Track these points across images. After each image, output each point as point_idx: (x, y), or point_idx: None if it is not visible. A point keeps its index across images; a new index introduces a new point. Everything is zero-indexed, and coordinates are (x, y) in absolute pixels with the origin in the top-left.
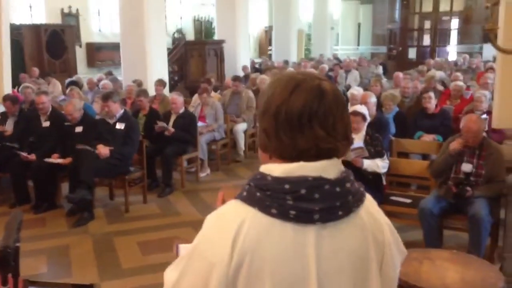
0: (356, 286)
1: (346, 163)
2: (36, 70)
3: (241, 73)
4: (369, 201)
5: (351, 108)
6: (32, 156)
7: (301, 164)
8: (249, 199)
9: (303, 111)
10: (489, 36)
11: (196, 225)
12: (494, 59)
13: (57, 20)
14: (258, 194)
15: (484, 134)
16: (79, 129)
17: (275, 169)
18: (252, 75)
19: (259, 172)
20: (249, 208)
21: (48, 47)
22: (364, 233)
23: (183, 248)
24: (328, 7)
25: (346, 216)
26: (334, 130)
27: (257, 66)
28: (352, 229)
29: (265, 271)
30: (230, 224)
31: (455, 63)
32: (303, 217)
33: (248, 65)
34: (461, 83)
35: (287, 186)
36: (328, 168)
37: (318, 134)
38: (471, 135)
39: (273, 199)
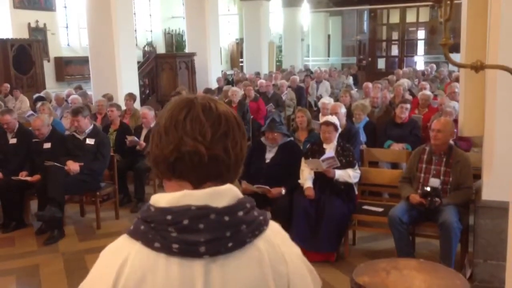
0: None
1: (318, 174)
2: (7, 86)
3: (212, 86)
4: (273, 231)
5: (322, 118)
6: None
7: (185, 192)
8: (134, 233)
9: None
10: (443, 50)
11: None
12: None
13: (24, 34)
14: (142, 227)
15: (452, 142)
16: (47, 145)
17: (161, 199)
18: (224, 88)
19: (147, 204)
20: (134, 243)
21: (15, 62)
22: (261, 265)
23: None
24: (298, 18)
25: (238, 248)
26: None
27: (229, 78)
28: (247, 262)
29: None
30: (113, 262)
31: (423, 72)
32: (188, 251)
33: (220, 77)
34: (428, 92)
35: (169, 217)
36: (217, 197)
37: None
38: (434, 133)
39: (157, 232)
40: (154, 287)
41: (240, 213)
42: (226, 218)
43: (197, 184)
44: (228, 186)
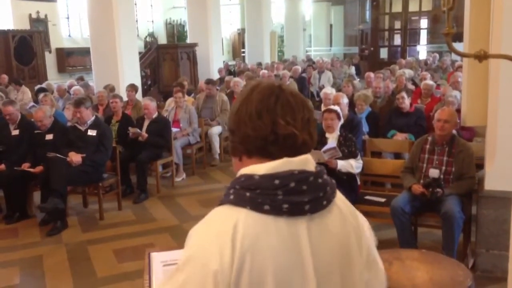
0: (343, 274)
1: (320, 165)
2: (5, 77)
3: (214, 76)
4: (338, 192)
5: (325, 107)
6: (2, 165)
7: (286, 160)
8: (239, 201)
9: None
10: (446, 40)
11: (173, 231)
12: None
13: (25, 25)
14: (247, 194)
15: (454, 132)
16: (49, 136)
17: (259, 168)
18: (226, 78)
19: (242, 175)
20: (240, 209)
21: (17, 54)
22: (343, 220)
23: (155, 256)
24: (299, 8)
25: (328, 206)
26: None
27: (231, 68)
28: (334, 217)
29: (267, 267)
30: (225, 228)
31: (425, 62)
32: (295, 210)
33: (222, 67)
34: (431, 82)
35: (276, 182)
36: (307, 163)
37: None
38: (441, 124)
39: (264, 196)
40: (269, 245)
41: (325, 176)
42: (320, 180)
43: None
44: (309, 155)
